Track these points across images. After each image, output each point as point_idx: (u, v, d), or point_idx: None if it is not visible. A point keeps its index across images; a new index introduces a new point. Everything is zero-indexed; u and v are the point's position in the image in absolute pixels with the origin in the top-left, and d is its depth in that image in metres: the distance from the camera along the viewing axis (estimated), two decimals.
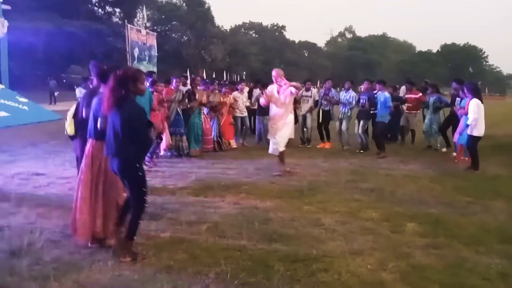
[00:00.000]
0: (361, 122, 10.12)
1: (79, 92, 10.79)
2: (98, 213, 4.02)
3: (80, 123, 4.62)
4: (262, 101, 7.73)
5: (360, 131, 10.15)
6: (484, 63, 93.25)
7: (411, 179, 7.40)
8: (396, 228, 4.81)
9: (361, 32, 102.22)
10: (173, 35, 59.47)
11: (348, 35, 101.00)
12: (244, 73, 50.61)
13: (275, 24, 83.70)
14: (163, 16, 58.57)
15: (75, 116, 4.84)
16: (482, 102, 8.00)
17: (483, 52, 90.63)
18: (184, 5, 61.47)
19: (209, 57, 59.21)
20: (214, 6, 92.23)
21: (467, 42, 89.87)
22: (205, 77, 23.38)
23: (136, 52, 20.34)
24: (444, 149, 10.47)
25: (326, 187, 6.65)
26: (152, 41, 23.22)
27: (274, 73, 7.49)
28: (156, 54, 23.53)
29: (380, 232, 4.67)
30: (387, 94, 9.87)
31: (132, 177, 3.74)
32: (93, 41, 40.30)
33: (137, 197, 3.78)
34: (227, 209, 5.34)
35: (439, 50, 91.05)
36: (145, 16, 40.19)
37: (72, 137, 5.01)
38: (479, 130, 7.91)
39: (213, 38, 60.38)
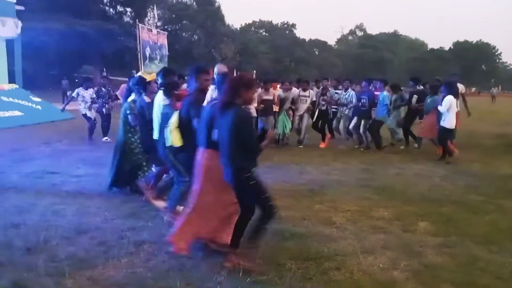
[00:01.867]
0: (362, 122, 10.13)
1: (77, 93, 10.67)
2: (214, 224, 3.90)
3: (187, 132, 4.37)
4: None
5: (361, 130, 10.17)
6: (497, 60, 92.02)
7: (422, 177, 7.36)
8: (408, 227, 4.80)
9: (372, 30, 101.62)
10: (184, 34, 59.63)
11: (359, 33, 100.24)
12: (254, 71, 50.57)
13: (285, 22, 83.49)
14: (174, 15, 58.74)
15: (179, 125, 4.47)
16: (457, 99, 8.88)
17: (496, 49, 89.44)
18: (194, 4, 61.57)
19: (219, 56, 59.20)
20: (224, 5, 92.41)
21: (480, 39, 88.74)
22: (215, 77, 23.39)
23: (147, 51, 20.43)
24: (402, 147, 10.45)
25: (337, 185, 6.65)
26: (163, 40, 23.29)
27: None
28: (167, 53, 23.59)
29: (391, 231, 4.66)
30: (385, 93, 10.06)
31: (243, 187, 3.58)
32: (105, 40, 40.49)
33: (262, 205, 3.58)
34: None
35: (451, 47, 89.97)
36: (156, 16, 40.46)
37: (176, 149, 4.53)
38: (450, 123, 8.61)
39: (223, 37, 60.38)
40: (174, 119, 4.49)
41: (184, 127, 4.39)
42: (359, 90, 10.57)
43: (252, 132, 3.64)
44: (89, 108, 10.71)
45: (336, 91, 11.06)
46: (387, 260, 3.90)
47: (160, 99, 5.05)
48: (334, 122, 10.79)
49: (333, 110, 10.81)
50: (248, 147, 3.51)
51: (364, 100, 10.09)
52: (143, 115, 5.59)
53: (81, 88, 10.84)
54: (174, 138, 4.45)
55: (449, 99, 8.57)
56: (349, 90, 10.59)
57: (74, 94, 10.90)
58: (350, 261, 3.86)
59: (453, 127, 8.80)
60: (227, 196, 3.83)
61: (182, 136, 4.41)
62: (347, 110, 10.43)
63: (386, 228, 4.75)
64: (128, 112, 5.83)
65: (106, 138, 10.84)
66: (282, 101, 10.54)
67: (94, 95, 10.75)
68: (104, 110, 11.04)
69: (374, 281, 3.51)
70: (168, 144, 4.55)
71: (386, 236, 4.52)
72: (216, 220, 3.92)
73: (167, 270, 3.62)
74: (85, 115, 10.76)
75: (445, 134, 8.79)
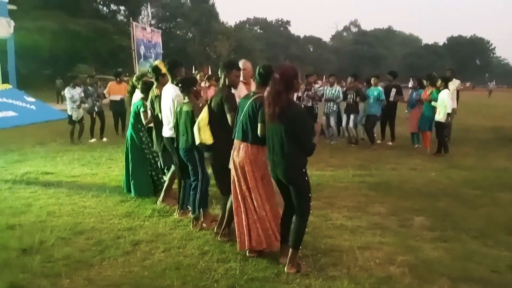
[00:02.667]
0: (351, 116, 10.14)
1: (69, 92, 10.20)
2: (256, 224, 3.75)
3: (219, 129, 4.15)
4: None
5: (351, 125, 10.20)
6: (492, 55, 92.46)
7: (418, 172, 7.38)
8: (404, 222, 4.81)
9: (367, 26, 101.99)
10: (178, 32, 59.58)
11: (354, 29, 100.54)
12: None
13: (280, 19, 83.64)
14: (168, 13, 58.64)
15: (209, 122, 4.18)
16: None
17: (490, 44, 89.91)
18: (188, 1, 61.47)
19: (214, 53, 59.16)
20: (218, 3, 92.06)
21: (474, 34, 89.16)
22: (210, 74, 23.40)
23: (142, 49, 20.37)
24: (378, 141, 10.52)
25: (333, 182, 6.66)
26: (157, 38, 23.25)
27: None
28: (161, 51, 23.54)
29: (388, 226, 4.67)
30: (380, 88, 10.08)
31: (299, 184, 3.50)
32: (99, 39, 40.35)
33: (304, 204, 3.54)
34: None
35: (446, 42, 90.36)
36: (150, 14, 40.32)
37: (208, 147, 4.22)
38: (445, 117, 8.69)
39: (218, 34, 60.26)
40: (204, 115, 4.21)
41: (215, 124, 4.17)
42: (347, 86, 10.62)
43: (309, 128, 3.50)
44: (78, 107, 10.28)
45: (320, 87, 11.10)
46: (384, 255, 3.91)
47: (172, 95, 4.77)
48: (324, 119, 10.69)
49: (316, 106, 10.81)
50: (305, 143, 3.42)
51: (351, 96, 10.14)
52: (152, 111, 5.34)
53: (69, 87, 10.52)
54: (204, 136, 4.17)
55: (445, 93, 8.68)
56: (335, 85, 10.57)
57: (66, 94, 10.61)
58: (347, 257, 3.86)
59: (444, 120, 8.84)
60: (268, 193, 3.78)
61: (212, 134, 4.16)
62: (334, 105, 10.40)
63: (382, 224, 4.76)
64: (141, 109, 5.56)
65: (103, 139, 10.81)
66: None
67: (83, 94, 10.43)
68: (96, 108, 10.88)
69: (370, 276, 3.52)
70: (197, 142, 4.24)
71: (383, 231, 4.53)
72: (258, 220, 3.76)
73: (163, 269, 3.61)
74: (69, 116, 10.31)
75: (441, 129, 8.90)
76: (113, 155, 8.75)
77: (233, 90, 4.32)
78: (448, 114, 8.64)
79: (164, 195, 5.45)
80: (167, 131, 4.95)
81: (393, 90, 10.24)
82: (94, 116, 10.95)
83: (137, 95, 5.87)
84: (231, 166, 3.87)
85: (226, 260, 3.76)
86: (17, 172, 7.13)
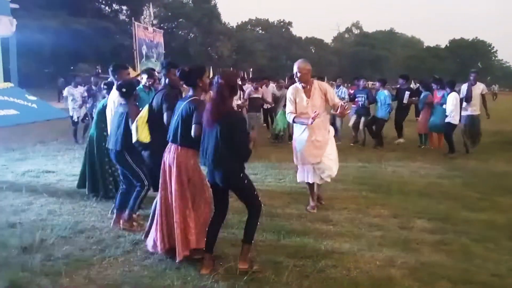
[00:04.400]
0: (362, 119, 10.36)
1: (68, 92, 10.20)
2: (192, 228, 3.69)
3: (157, 128, 4.10)
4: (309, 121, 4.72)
5: (361, 126, 10.43)
6: (493, 58, 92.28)
7: (419, 175, 7.37)
8: (405, 225, 4.81)
9: (368, 28, 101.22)
10: (180, 32, 59.50)
11: (355, 31, 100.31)
12: (251, 69, 50.58)
13: (282, 20, 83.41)
14: (170, 14, 58.58)
15: (148, 120, 4.14)
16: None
17: (492, 47, 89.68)
18: (190, 2, 61.45)
19: (215, 54, 59.19)
20: (220, 3, 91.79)
21: (476, 37, 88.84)
22: (211, 75, 23.40)
23: (143, 49, 20.38)
24: (401, 139, 10.83)
25: (334, 183, 6.63)
26: (159, 38, 23.26)
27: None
28: (163, 51, 23.55)
29: (388, 229, 4.67)
30: (386, 92, 10.22)
31: (240, 187, 3.56)
32: (100, 39, 40.38)
33: (253, 202, 3.60)
34: (236, 205, 5.35)
35: (447, 45, 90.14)
36: (152, 14, 40.30)
37: (144, 145, 4.18)
38: (455, 119, 9.05)
39: (220, 35, 60.29)
40: (143, 113, 4.17)
41: (154, 122, 4.14)
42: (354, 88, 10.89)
43: (245, 134, 3.56)
44: (80, 106, 10.14)
45: None
46: (384, 258, 3.90)
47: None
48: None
49: None
50: (240, 149, 3.45)
51: (362, 99, 10.30)
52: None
53: (70, 86, 10.34)
54: (142, 134, 4.12)
55: (454, 96, 9.02)
56: (341, 87, 11.05)
57: (65, 94, 10.43)
58: (347, 259, 3.86)
59: (457, 122, 9.14)
60: (202, 196, 3.78)
61: (150, 132, 4.13)
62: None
63: (383, 226, 4.76)
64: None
65: None
66: (277, 99, 10.78)
67: (85, 94, 10.14)
68: (95, 110, 10.64)
69: (371, 278, 3.51)
70: (134, 139, 4.18)
71: (383, 233, 4.52)
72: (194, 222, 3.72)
73: (164, 269, 3.61)
74: (71, 117, 10.17)
75: (451, 130, 9.19)
76: None
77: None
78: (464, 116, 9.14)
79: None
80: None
81: (407, 93, 10.47)
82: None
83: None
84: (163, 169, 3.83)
85: (225, 260, 3.75)
86: (18, 171, 7.13)
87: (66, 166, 7.65)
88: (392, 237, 4.42)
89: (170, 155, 3.73)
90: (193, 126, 3.59)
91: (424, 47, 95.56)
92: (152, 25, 29.10)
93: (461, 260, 3.89)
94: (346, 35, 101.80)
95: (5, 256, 3.80)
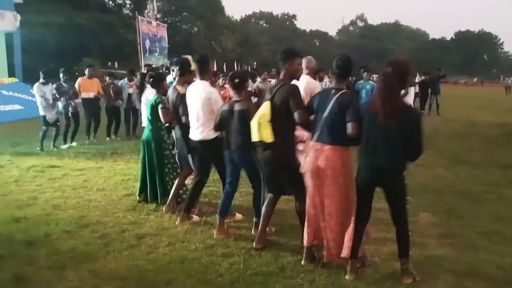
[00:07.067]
0: None
1: (39, 89, 8.59)
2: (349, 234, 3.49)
3: (282, 127, 3.70)
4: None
5: None
6: (499, 50, 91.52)
7: (424, 168, 7.32)
8: (410, 218, 4.74)
9: (373, 20, 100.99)
10: (184, 26, 59.34)
11: (360, 24, 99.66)
12: (255, 63, 50.43)
13: (286, 13, 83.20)
14: (173, 7, 58.41)
15: (271, 120, 3.68)
16: None
17: (498, 39, 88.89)
18: None
19: (219, 47, 59.01)
20: None
21: (482, 29, 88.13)
22: (215, 69, 23.36)
23: (147, 43, 20.37)
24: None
25: None
26: (163, 32, 23.25)
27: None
28: (167, 45, 23.56)
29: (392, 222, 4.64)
30: (373, 83, 10.12)
31: (402, 190, 3.40)
32: (104, 33, 40.30)
33: (404, 210, 3.49)
34: (240, 200, 5.36)
35: (453, 37, 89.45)
36: (155, 8, 40.22)
37: (267, 145, 3.71)
38: None
39: (224, 28, 60.05)
40: (265, 111, 3.70)
41: (278, 121, 3.68)
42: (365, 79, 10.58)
43: (422, 133, 3.18)
44: (53, 106, 8.75)
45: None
46: (389, 251, 3.89)
47: (205, 94, 4.39)
48: None
49: None
50: (418, 148, 3.19)
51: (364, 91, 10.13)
52: (177, 109, 4.79)
53: (39, 83, 8.74)
54: (264, 133, 3.69)
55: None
56: (325, 79, 10.78)
57: (34, 91, 8.93)
58: None
59: None
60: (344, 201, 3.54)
61: (273, 131, 3.67)
62: None
63: (387, 219, 4.71)
64: (160, 105, 4.89)
65: (73, 143, 9.28)
66: (261, 92, 10.68)
67: (55, 91, 8.79)
68: (70, 109, 9.20)
69: (375, 272, 3.51)
70: (254, 139, 3.78)
71: (387, 227, 4.48)
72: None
73: (168, 263, 3.62)
74: (44, 117, 8.70)
75: None
76: (119, 149, 8.76)
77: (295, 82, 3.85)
78: None
79: (169, 203, 4.94)
80: (197, 134, 4.51)
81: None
82: (69, 116, 9.26)
83: (150, 90, 5.37)
84: (305, 170, 3.56)
85: (230, 255, 3.76)
86: (23, 165, 7.16)
87: (71, 160, 7.67)
88: None
89: (320, 155, 3.43)
90: (349, 124, 3.29)
91: (430, 39, 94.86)
92: (156, 19, 29.06)
93: (466, 253, 3.87)
94: (351, 28, 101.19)
95: (10, 250, 3.82)
